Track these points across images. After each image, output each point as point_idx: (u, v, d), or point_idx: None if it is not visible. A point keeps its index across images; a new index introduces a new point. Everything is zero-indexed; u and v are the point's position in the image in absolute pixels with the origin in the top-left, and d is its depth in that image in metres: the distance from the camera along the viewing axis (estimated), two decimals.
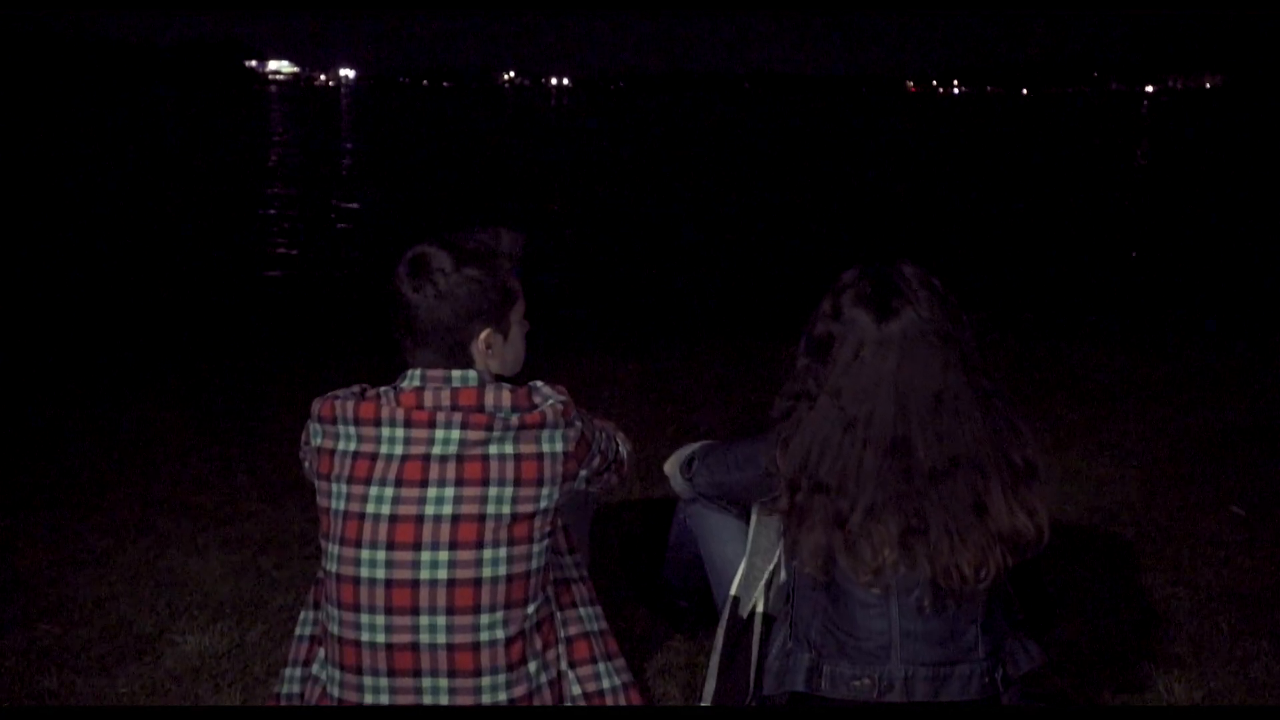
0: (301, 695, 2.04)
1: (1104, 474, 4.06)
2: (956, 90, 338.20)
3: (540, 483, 1.88)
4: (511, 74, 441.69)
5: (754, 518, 2.24)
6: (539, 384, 1.95)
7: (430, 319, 1.87)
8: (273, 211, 17.69)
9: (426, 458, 1.83)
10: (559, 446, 1.89)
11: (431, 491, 1.83)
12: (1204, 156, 33.35)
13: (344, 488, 1.86)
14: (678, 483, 2.41)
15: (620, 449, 2.16)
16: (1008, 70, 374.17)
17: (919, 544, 1.82)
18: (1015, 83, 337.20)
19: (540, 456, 1.87)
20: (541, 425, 1.87)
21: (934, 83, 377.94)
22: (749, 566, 2.22)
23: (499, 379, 1.95)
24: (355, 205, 18.77)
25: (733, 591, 2.24)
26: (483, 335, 1.92)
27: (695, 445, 2.37)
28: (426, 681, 1.83)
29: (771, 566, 2.18)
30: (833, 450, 1.84)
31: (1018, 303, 8.76)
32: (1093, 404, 5.03)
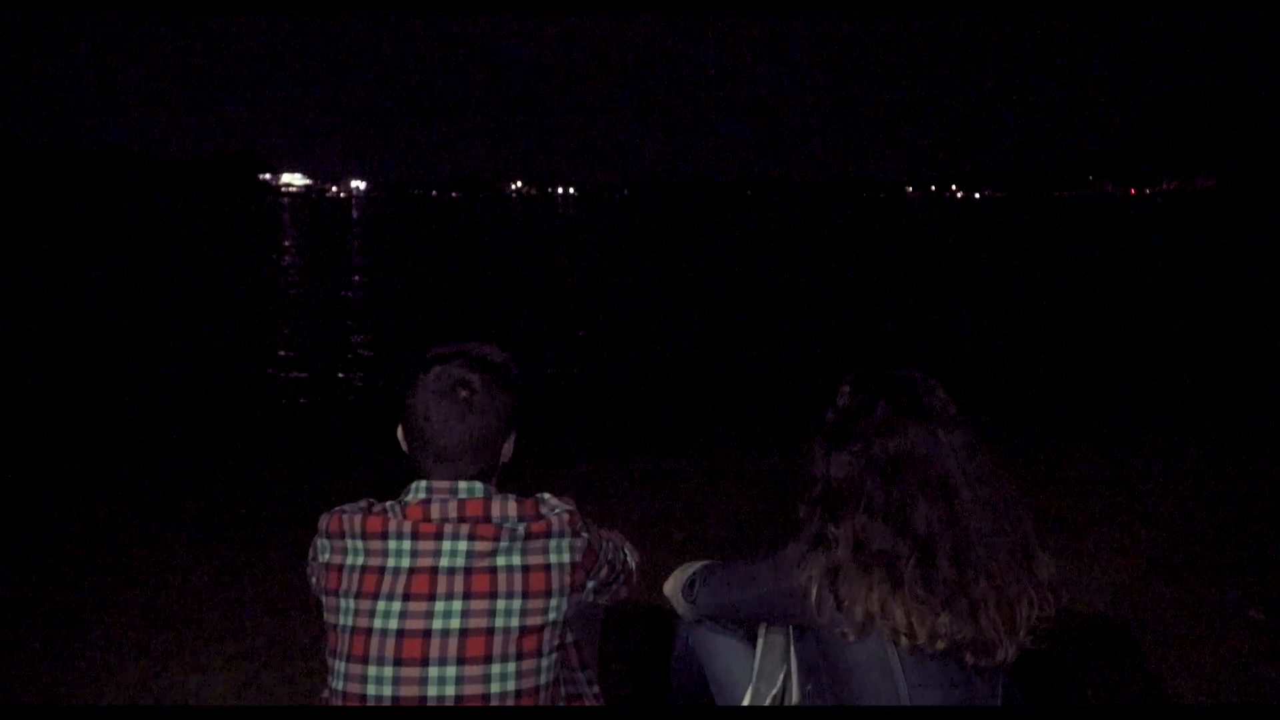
0: None
1: (1119, 578, 4.00)
2: (959, 194, 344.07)
3: (548, 594, 1.85)
4: (519, 184, 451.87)
5: (760, 640, 2.21)
6: (545, 495, 1.95)
7: (464, 437, 1.88)
8: (282, 324, 17.89)
9: (434, 570, 1.82)
10: (566, 557, 1.88)
11: (439, 605, 1.81)
12: (1197, 257, 33.71)
13: (351, 603, 1.84)
14: (679, 604, 2.37)
15: (628, 560, 2.14)
16: (1004, 174, 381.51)
17: (971, 592, 1.83)
18: (1012, 186, 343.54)
19: (547, 567, 1.86)
20: (548, 534, 1.86)
21: (933, 187, 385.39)
22: (755, 691, 2.18)
23: (501, 487, 1.95)
24: (364, 316, 18.96)
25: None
26: (506, 445, 1.96)
27: (696, 565, 2.34)
28: None
29: (776, 690, 2.14)
30: (881, 502, 1.87)
31: (1011, 403, 8.78)
32: (1099, 503, 4.99)
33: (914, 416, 1.90)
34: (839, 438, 1.96)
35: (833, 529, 1.91)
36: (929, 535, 1.84)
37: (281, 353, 13.87)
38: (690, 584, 2.28)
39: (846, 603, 1.86)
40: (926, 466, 1.87)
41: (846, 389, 2.01)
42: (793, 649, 2.14)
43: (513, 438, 2.02)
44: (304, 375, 12.14)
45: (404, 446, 1.96)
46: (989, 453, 1.93)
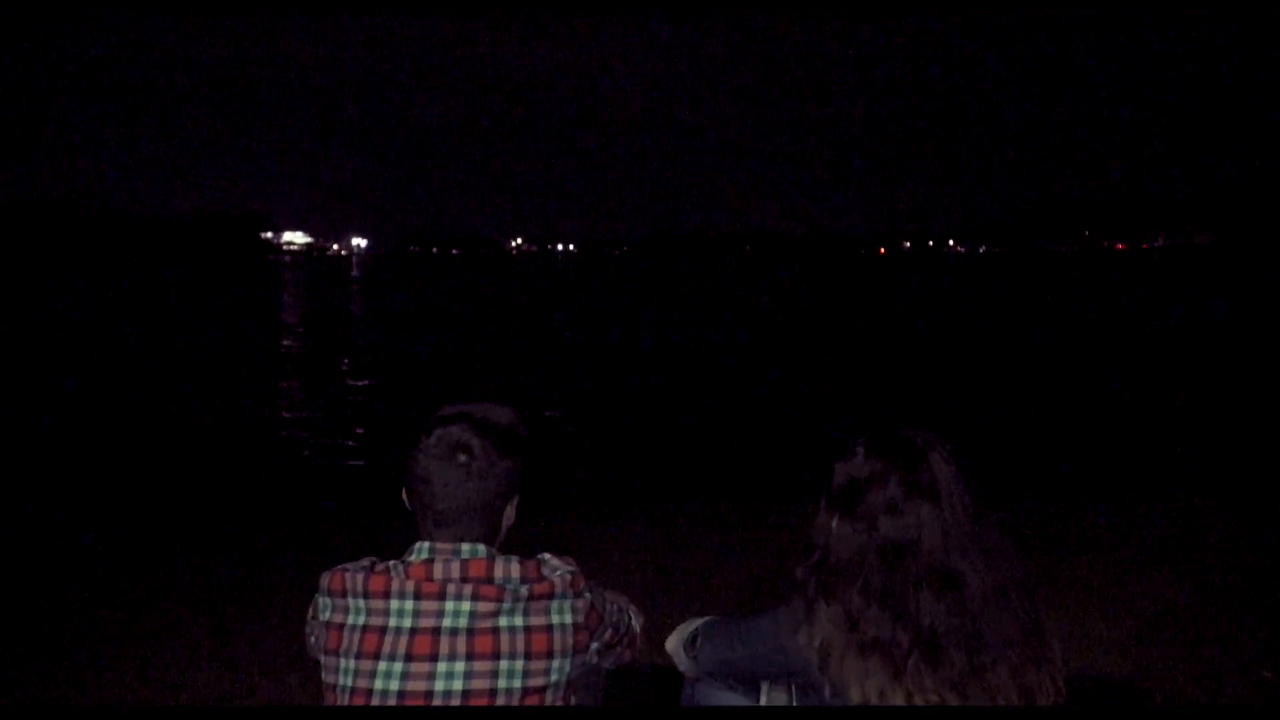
0: None
1: (1126, 637, 3.95)
2: (960, 249, 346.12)
3: (550, 655, 1.84)
4: (519, 240, 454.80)
5: (763, 697, 2.18)
6: (547, 556, 1.94)
7: (462, 502, 1.88)
8: (282, 383, 17.91)
9: (436, 631, 1.81)
10: (569, 618, 1.86)
11: (441, 666, 1.79)
12: (1197, 312, 33.84)
13: (352, 663, 1.82)
14: (681, 660, 2.34)
15: (632, 623, 2.12)
16: (1001, 229, 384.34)
17: (988, 679, 1.79)
18: (1008, 241, 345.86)
19: (550, 628, 1.84)
20: (550, 596, 1.85)
21: (930, 242, 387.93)
22: None
23: (503, 548, 1.94)
24: (365, 380, 18.99)
25: None
26: (510, 508, 1.94)
27: (698, 621, 2.32)
28: None
29: None
30: (879, 587, 1.83)
31: (1014, 459, 8.76)
32: (1104, 560, 4.95)
33: (927, 497, 1.85)
34: (846, 506, 1.91)
35: (824, 604, 1.86)
36: (933, 628, 1.79)
37: (285, 414, 13.87)
38: (692, 640, 2.26)
39: (839, 685, 1.83)
40: (932, 555, 1.83)
41: (860, 452, 1.94)
42: (795, 705, 2.11)
43: (515, 502, 2.00)
44: (305, 434, 12.12)
45: (408, 507, 1.96)
46: (996, 528, 1.90)
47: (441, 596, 1.82)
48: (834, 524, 1.92)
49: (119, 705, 2.36)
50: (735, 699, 2.30)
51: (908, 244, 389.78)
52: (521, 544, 2.05)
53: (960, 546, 1.83)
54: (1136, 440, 10.73)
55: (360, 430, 12.28)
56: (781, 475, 8.33)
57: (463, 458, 1.87)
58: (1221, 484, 7.24)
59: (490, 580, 1.83)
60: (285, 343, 24.90)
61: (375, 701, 1.80)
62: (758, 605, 2.25)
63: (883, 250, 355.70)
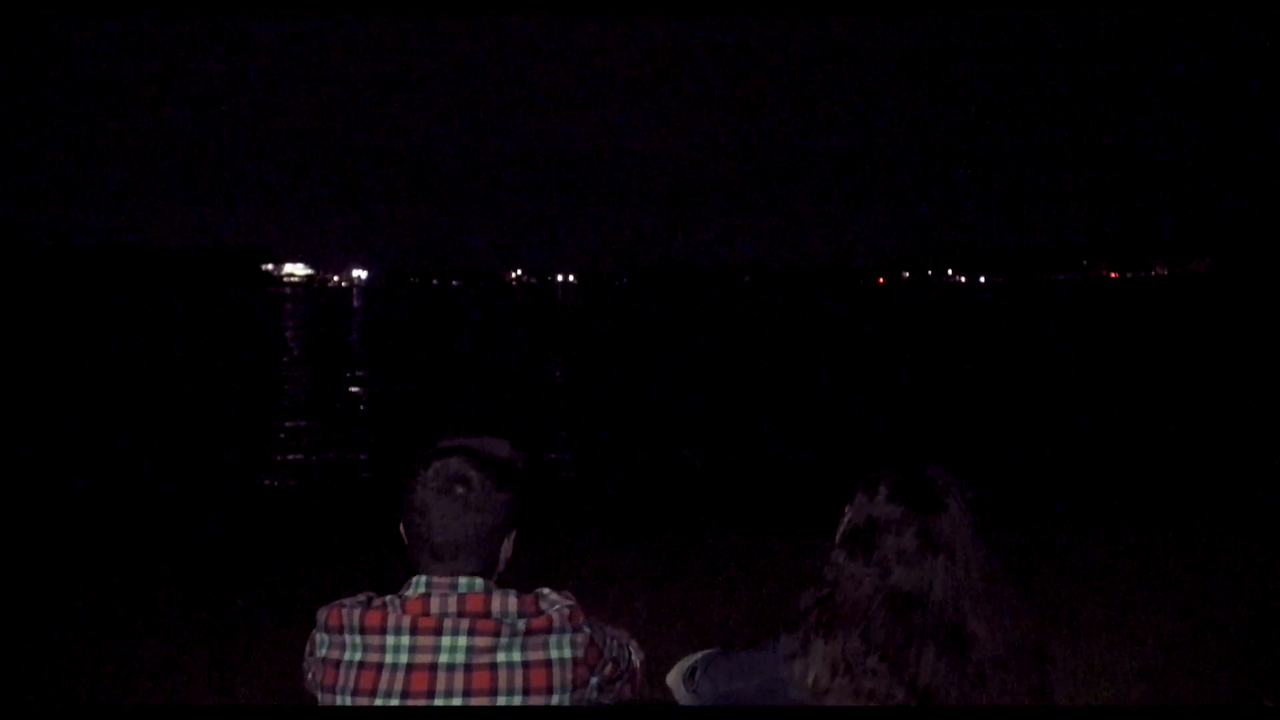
0: None
1: (1128, 666, 3.93)
2: (962, 279, 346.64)
3: (549, 691, 1.82)
4: (519, 272, 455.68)
5: None
6: (546, 590, 1.93)
7: (460, 535, 1.86)
8: (280, 416, 17.89)
9: (433, 667, 1.79)
10: (567, 653, 1.85)
11: (438, 703, 1.78)
12: (1199, 341, 33.86)
13: (348, 700, 1.81)
14: (681, 695, 2.32)
15: (633, 658, 2.10)
16: (1000, 258, 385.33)
17: None
18: (1007, 270, 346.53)
19: (548, 663, 1.83)
20: (549, 630, 1.84)
21: (929, 272, 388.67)
22: None
23: (501, 581, 1.93)
24: (362, 413, 18.98)
25: None
26: (507, 541, 1.93)
27: (698, 655, 2.30)
28: None
29: None
30: (881, 638, 1.79)
31: (1024, 490, 8.73)
32: (1110, 590, 4.93)
33: (943, 551, 1.81)
34: (860, 547, 1.87)
35: (822, 642, 1.84)
36: (931, 688, 1.76)
37: (282, 447, 13.83)
38: (691, 673, 2.24)
39: None
40: (943, 611, 1.79)
41: (884, 492, 1.88)
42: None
43: (513, 535, 1.99)
44: (303, 468, 12.09)
45: (405, 540, 1.95)
46: (1012, 584, 1.86)
47: (438, 632, 1.81)
48: (844, 566, 1.88)
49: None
50: None
51: (907, 274, 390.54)
52: (520, 577, 2.04)
53: (973, 604, 1.80)
54: (1137, 471, 10.71)
55: (359, 462, 12.25)
56: (781, 508, 8.31)
57: (460, 490, 1.86)
58: (1221, 514, 7.22)
59: (487, 615, 1.82)
60: (285, 375, 24.89)
61: None
62: (758, 638, 2.23)
63: (882, 280, 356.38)
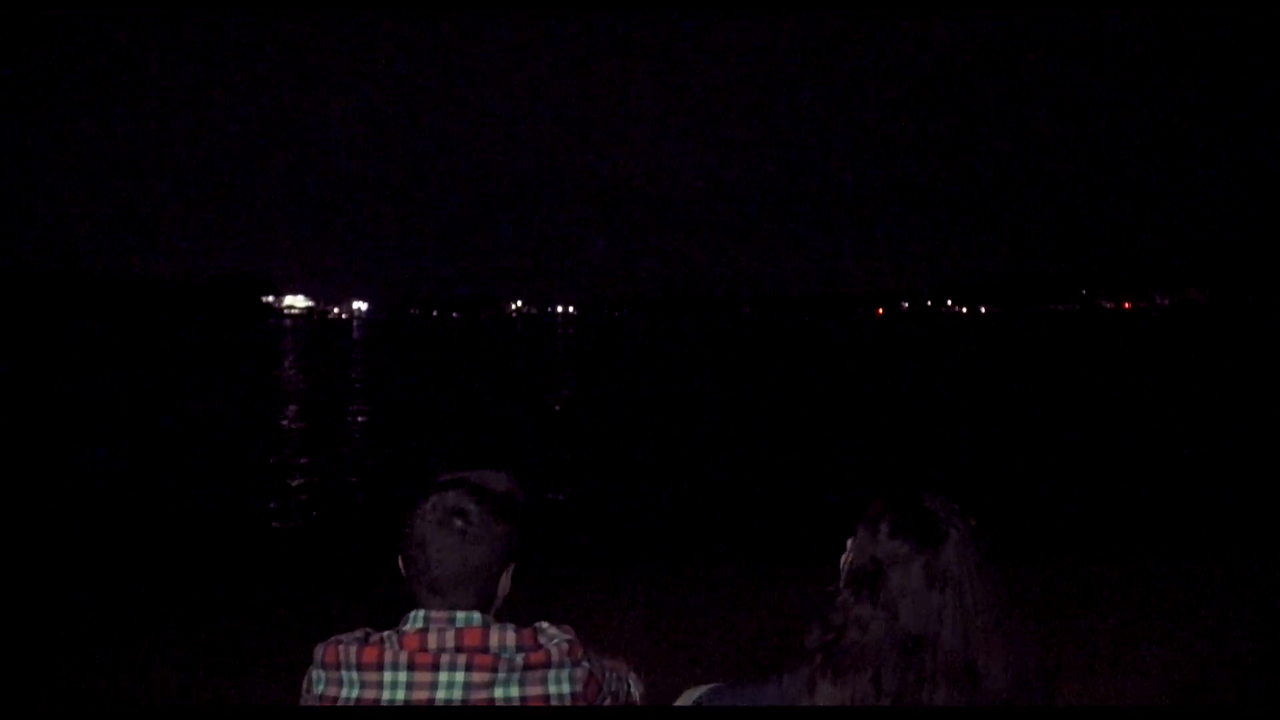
0: None
1: (1133, 700, 3.89)
2: (963, 310, 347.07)
3: None
4: (519, 303, 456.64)
5: None
6: (544, 624, 1.91)
7: (458, 568, 1.85)
8: (283, 450, 17.86)
9: (431, 703, 1.78)
10: (566, 687, 1.83)
11: None
12: (1207, 371, 33.87)
13: None
14: None
15: (633, 691, 2.09)
16: (1000, 288, 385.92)
17: None
18: (1007, 300, 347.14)
19: (547, 699, 1.81)
20: (547, 665, 1.82)
21: (929, 302, 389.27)
22: None
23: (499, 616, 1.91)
24: (362, 446, 18.94)
25: None
26: (506, 576, 1.92)
27: (701, 690, 2.28)
28: None
29: None
30: (893, 684, 1.77)
31: (1045, 522, 8.70)
32: (1116, 624, 4.89)
33: (951, 585, 1.79)
34: (866, 588, 1.84)
35: (829, 684, 1.81)
36: None
37: (282, 481, 13.79)
38: (697, 706, 2.22)
39: None
40: (953, 652, 1.77)
41: (884, 530, 1.85)
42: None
43: (511, 569, 1.98)
44: (303, 501, 12.05)
45: (404, 574, 1.94)
46: (1017, 612, 1.84)
47: (435, 667, 1.79)
48: (852, 604, 1.85)
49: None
50: None
51: (906, 304, 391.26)
52: (519, 610, 2.03)
53: (982, 638, 1.77)
54: (1144, 500, 10.67)
55: (358, 496, 12.22)
56: (781, 539, 8.28)
57: (459, 523, 1.85)
58: (1229, 545, 7.18)
59: (485, 649, 1.81)
60: (285, 410, 24.87)
61: None
62: (759, 669, 2.21)
63: (881, 311, 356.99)
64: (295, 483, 13.29)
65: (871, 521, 1.89)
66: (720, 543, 8.61)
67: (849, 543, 1.95)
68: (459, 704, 1.78)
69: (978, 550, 1.83)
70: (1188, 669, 4.24)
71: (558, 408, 24.30)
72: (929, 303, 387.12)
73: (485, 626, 1.85)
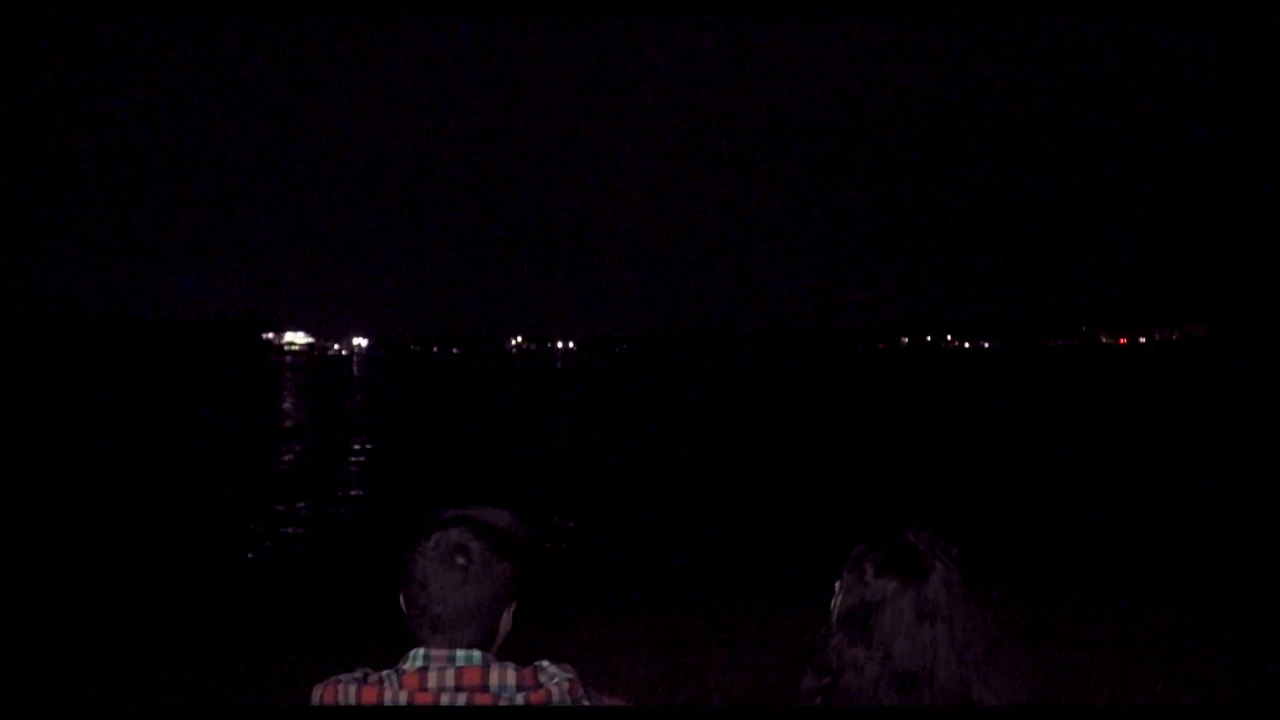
0: None
1: None
2: (965, 345, 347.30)
3: None
4: (519, 339, 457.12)
5: None
6: (544, 663, 1.90)
7: (459, 606, 1.84)
8: (283, 487, 17.81)
9: None
10: None
11: None
12: (1206, 406, 33.85)
13: None
14: None
15: None
16: (999, 324, 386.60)
17: None
18: (1006, 336, 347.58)
19: None
20: (547, 704, 1.81)
21: (928, 337, 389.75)
22: None
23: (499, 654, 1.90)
24: (363, 485, 18.90)
25: None
26: (507, 614, 1.91)
27: None
28: None
29: None
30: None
31: (1043, 558, 8.65)
32: (1112, 657, 4.85)
33: (941, 618, 1.79)
34: (858, 630, 1.84)
35: None
36: None
37: (280, 519, 13.74)
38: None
39: None
40: (949, 684, 1.77)
41: (869, 569, 1.85)
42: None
43: (513, 607, 1.97)
44: (301, 538, 12.00)
45: (405, 611, 1.93)
46: (1010, 640, 1.85)
47: (435, 707, 1.78)
48: (846, 647, 1.85)
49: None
50: None
51: (905, 339, 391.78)
52: (520, 647, 2.02)
53: (976, 669, 1.77)
54: (1141, 534, 10.62)
55: (358, 534, 12.16)
56: (781, 574, 8.23)
57: (461, 560, 1.84)
58: (1227, 579, 7.14)
59: (485, 688, 1.79)
60: (284, 447, 24.83)
61: None
62: (760, 703, 2.19)
63: (882, 346, 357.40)
64: (290, 523, 13.24)
65: (856, 564, 1.89)
66: (721, 578, 8.56)
67: (836, 586, 1.94)
68: None
69: (963, 579, 1.83)
70: (1184, 702, 4.20)
71: (555, 442, 24.26)
72: (928, 338, 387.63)
73: (485, 665, 1.84)
